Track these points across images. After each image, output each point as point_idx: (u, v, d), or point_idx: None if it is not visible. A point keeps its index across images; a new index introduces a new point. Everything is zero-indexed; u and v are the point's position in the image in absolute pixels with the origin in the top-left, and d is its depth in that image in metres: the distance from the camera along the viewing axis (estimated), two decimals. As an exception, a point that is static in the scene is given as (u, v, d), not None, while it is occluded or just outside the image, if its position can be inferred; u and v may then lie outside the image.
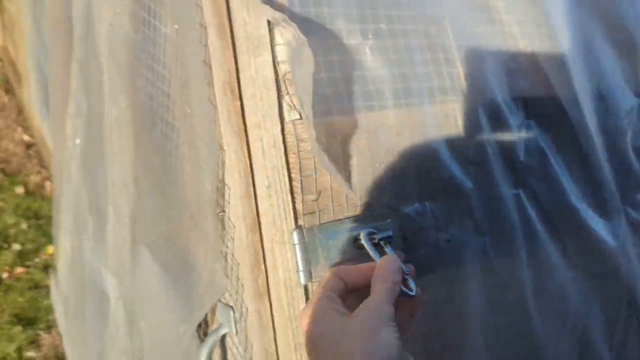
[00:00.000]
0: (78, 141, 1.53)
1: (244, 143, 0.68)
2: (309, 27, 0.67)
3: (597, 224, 0.86)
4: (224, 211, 0.70)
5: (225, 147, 0.68)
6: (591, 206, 0.86)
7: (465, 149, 0.77)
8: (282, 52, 0.67)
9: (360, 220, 0.69)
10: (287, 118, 0.67)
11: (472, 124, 0.77)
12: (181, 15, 0.74)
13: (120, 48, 0.97)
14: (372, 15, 0.74)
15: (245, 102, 0.68)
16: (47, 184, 2.88)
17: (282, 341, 0.68)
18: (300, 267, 0.66)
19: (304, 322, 0.59)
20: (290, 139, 0.66)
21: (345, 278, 0.63)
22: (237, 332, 0.73)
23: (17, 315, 2.17)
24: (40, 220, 2.65)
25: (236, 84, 0.68)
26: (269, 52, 0.66)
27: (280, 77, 0.67)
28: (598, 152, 0.86)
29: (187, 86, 0.77)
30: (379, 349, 0.53)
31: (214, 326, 0.81)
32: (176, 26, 0.76)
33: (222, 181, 0.70)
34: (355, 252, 0.68)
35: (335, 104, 0.69)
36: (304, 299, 0.67)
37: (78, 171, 1.55)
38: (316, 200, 0.68)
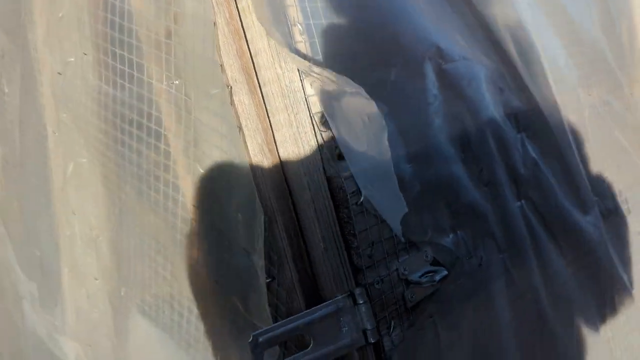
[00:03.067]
0: (-8, 193, 1.35)
1: (290, 203, 0.64)
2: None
3: (581, 219, 0.94)
4: (273, 278, 0.66)
5: (272, 213, 0.64)
6: (575, 205, 0.93)
7: (478, 171, 0.79)
8: (315, 104, 0.64)
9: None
10: (329, 172, 0.65)
11: (482, 145, 0.79)
12: (188, 71, 0.67)
13: (79, 100, 0.86)
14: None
15: (284, 161, 0.64)
16: None
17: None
18: None
19: None
20: (340, 194, 0.64)
21: None
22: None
23: None
24: None
25: (274, 143, 0.64)
26: (305, 106, 0.63)
27: (316, 129, 0.64)
28: (575, 156, 0.93)
29: (197, 145, 0.70)
30: None
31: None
32: (176, 82, 0.69)
33: (273, 248, 0.65)
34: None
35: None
36: None
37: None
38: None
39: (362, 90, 0.59)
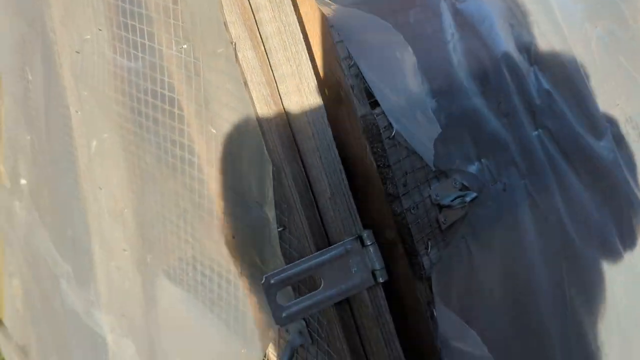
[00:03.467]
0: (24, 181, 1.42)
1: (296, 152, 0.67)
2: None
3: (595, 144, 0.95)
4: (284, 227, 0.69)
5: (280, 163, 0.67)
6: (588, 131, 0.94)
7: (497, 103, 0.81)
8: (342, 49, 0.66)
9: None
10: (361, 112, 0.67)
11: (499, 79, 0.82)
12: (196, 34, 0.70)
13: (98, 75, 0.91)
14: None
15: (288, 111, 0.67)
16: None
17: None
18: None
19: None
20: (373, 130, 0.66)
21: None
22: (313, 340, 0.73)
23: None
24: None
25: (278, 95, 0.67)
26: (307, 58, 0.66)
27: (346, 73, 0.67)
28: (586, 85, 0.94)
29: (208, 106, 0.74)
30: None
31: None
32: (185, 46, 0.73)
33: (282, 198, 0.68)
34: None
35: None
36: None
37: (29, 213, 1.44)
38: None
39: (391, 27, 0.62)
